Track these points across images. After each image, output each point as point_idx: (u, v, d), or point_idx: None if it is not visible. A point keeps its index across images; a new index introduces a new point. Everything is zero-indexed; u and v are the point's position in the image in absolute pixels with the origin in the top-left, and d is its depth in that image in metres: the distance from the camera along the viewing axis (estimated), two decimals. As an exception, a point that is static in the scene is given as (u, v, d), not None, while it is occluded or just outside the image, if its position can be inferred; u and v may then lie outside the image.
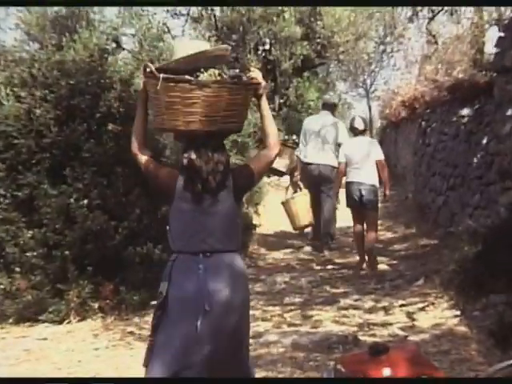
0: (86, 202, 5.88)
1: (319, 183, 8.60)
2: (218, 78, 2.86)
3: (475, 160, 7.29)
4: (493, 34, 8.42)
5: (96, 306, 5.85)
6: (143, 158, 2.98)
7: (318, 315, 5.65)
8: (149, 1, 7.76)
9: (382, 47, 21.48)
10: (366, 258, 7.47)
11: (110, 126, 6.11)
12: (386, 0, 9.02)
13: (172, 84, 2.77)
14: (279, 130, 13.43)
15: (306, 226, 9.15)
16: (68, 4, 8.96)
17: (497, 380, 3.25)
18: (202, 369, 2.79)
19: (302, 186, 8.94)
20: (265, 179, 14.92)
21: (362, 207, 7.32)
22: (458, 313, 5.22)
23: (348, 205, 7.52)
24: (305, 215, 8.73)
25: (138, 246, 5.96)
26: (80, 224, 5.82)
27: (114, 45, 7.42)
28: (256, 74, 2.92)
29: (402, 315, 5.49)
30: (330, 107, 9.04)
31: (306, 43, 17.45)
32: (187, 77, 2.78)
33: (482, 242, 5.65)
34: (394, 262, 7.76)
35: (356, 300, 6.12)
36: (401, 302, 5.88)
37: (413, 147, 12.04)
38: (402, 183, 13.47)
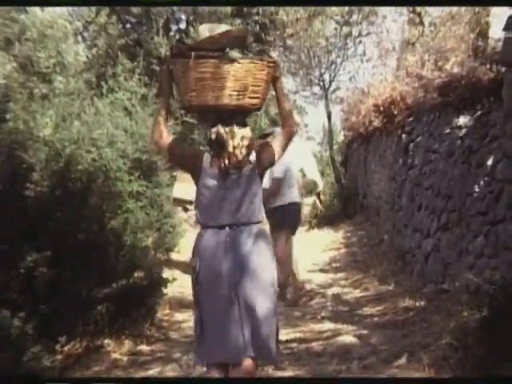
0: None
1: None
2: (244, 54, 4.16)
3: (477, 188, 7.40)
4: (501, 13, 8.56)
5: None
6: (167, 143, 4.35)
7: (259, 410, 5.55)
8: (152, 0, 9.84)
9: (346, 29, 21.81)
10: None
11: None
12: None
13: (202, 60, 4.05)
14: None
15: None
16: (68, 4, 11.07)
17: (497, 380, 4.23)
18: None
19: None
20: (182, 214, 14.87)
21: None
22: (456, 406, 5.24)
23: (294, 230, 9.19)
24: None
25: (-14, 314, 5.81)
26: None
27: None
28: (274, 54, 4.28)
29: (376, 410, 5.48)
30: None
31: (238, 22, 17.54)
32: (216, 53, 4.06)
33: (487, 306, 5.67)
34: (364, 331, 7.73)
35: (311, 388, 6.07)
36: (375, 390, 5.86)
37: (390, 170, 12.18)
38: (374, 220, 13.60)
